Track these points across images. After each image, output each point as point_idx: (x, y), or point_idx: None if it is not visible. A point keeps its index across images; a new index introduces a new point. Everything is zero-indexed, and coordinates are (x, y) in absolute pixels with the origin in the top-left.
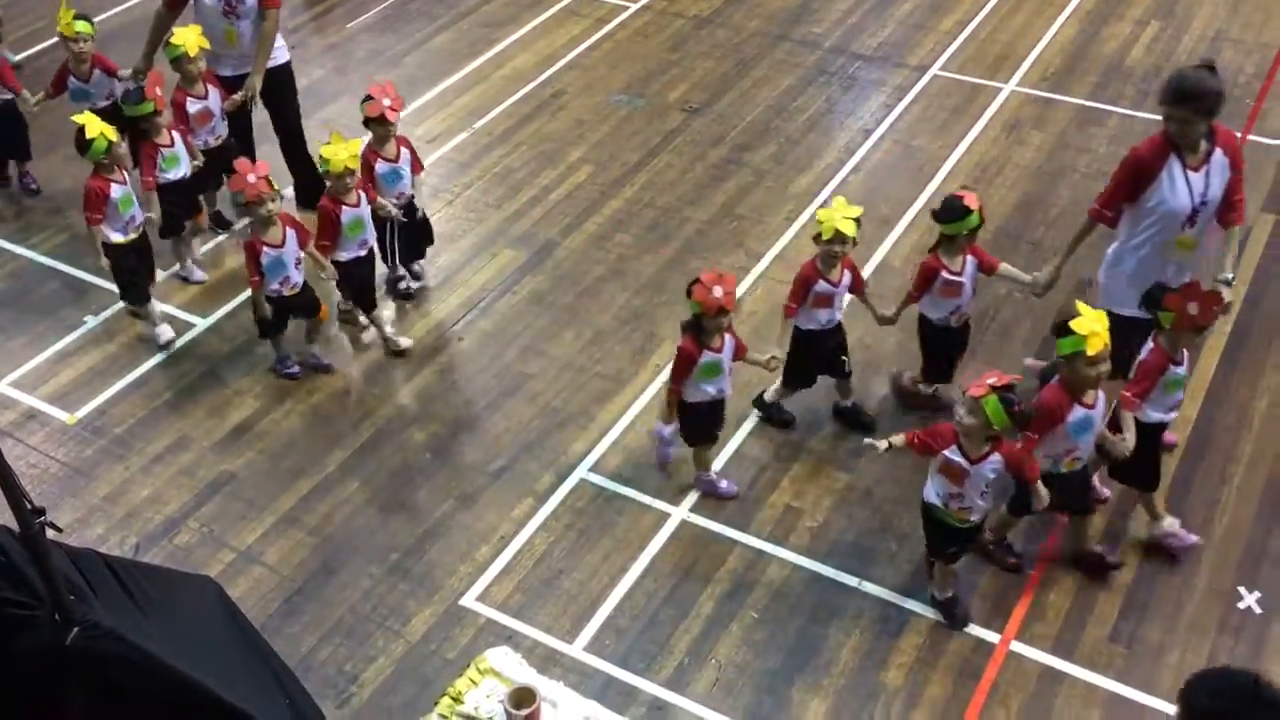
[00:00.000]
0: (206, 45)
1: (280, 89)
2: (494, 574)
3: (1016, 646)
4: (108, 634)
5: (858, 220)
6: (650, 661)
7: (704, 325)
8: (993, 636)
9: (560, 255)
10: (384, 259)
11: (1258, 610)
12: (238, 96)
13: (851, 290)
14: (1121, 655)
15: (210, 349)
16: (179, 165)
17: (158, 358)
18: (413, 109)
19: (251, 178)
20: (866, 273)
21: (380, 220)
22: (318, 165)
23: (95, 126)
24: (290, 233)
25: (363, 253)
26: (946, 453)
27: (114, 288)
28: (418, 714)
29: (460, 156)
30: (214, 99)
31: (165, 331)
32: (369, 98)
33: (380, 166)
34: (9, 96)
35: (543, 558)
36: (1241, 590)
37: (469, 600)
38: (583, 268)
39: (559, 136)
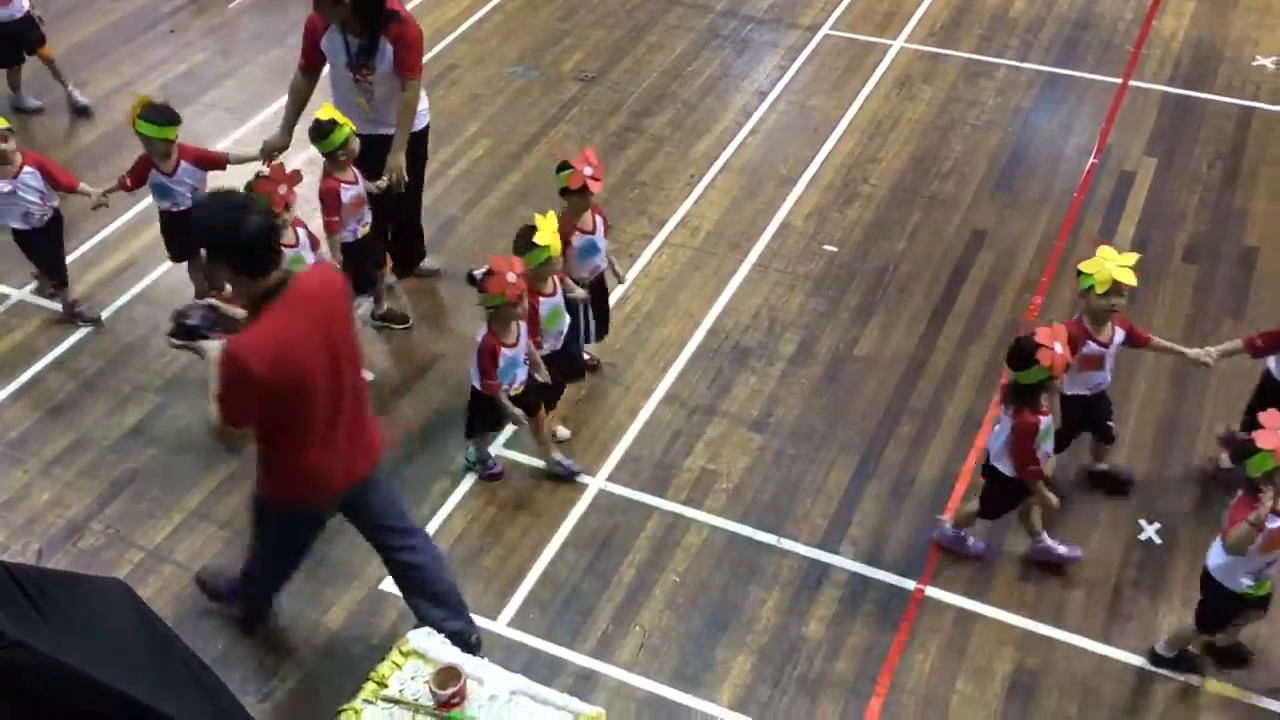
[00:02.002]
0: (354, 128)
1: (412, 156)
2: None
3: (931, 592)
4: (12, 645)
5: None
6: (575, 632)
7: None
8: (908, 584)
9: (463, 231)
10: (586, 339)
11: (1158, 541)
12: (383, 182)
13: (1134, 344)
14: (1031, 593)
15: (104, 346)
16: (303, 268)
17: (47, 359)
18: None
19: (511, 276)
20: (767, 234)
21: (570, 302)
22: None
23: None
24: (523, 328)
25: (559, 345)
26: None
27: None
28: (342, 702)
29: None
30: (362, 182)
31: None
32: (567, 166)
33: (577, 240)
34: (35, 207)
35: (461, 536)
36: (1142, 523)
37: (388, 584)
38: (487, 243)
39: (454, 111)
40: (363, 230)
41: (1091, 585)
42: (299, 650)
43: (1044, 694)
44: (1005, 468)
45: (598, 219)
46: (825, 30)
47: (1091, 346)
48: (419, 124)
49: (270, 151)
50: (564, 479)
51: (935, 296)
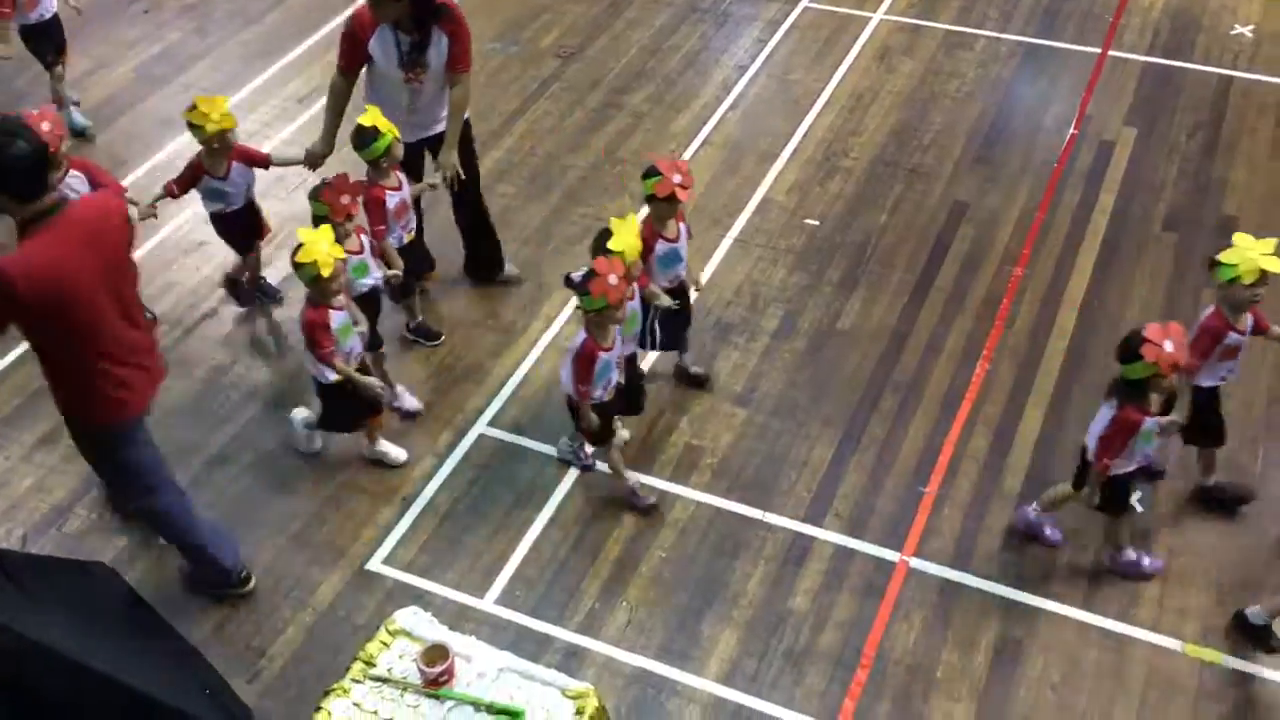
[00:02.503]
0: (397, 134)
1: (464, 154)
2: (399, 536)
3: (915, 563)
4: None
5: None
6: (562, 609)
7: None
8: (892, 555)
9: (445, 210)
10: (643, 345)
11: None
12: (436, 180)
13: (1258, 331)
14: (1014, 563)
15: None
16: (369, 274)
17: (25, 344)
18: (279, 67)
19: (614, 279)
20: (749, 209)
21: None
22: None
23: (320, 252)
24: (619, 331)
25: (628, 352)
26: None
27: None
28: (330, 681)
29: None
30: (406, 187)
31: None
32: (656, 173)
33: (660, 247)
34: None
35: (447, 515)
36: None
37: (375, 564)
38: None
39: None
40: (408, 236)
41: (1073, 553)
42: (286, 631)
43: (1028, 662)
44: (1095, 458)
45: (682, 227)
46: (805, 3)
47: (1233, 337)
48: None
49: (314, 160)
50: (635, 508)
51: (917, 269)
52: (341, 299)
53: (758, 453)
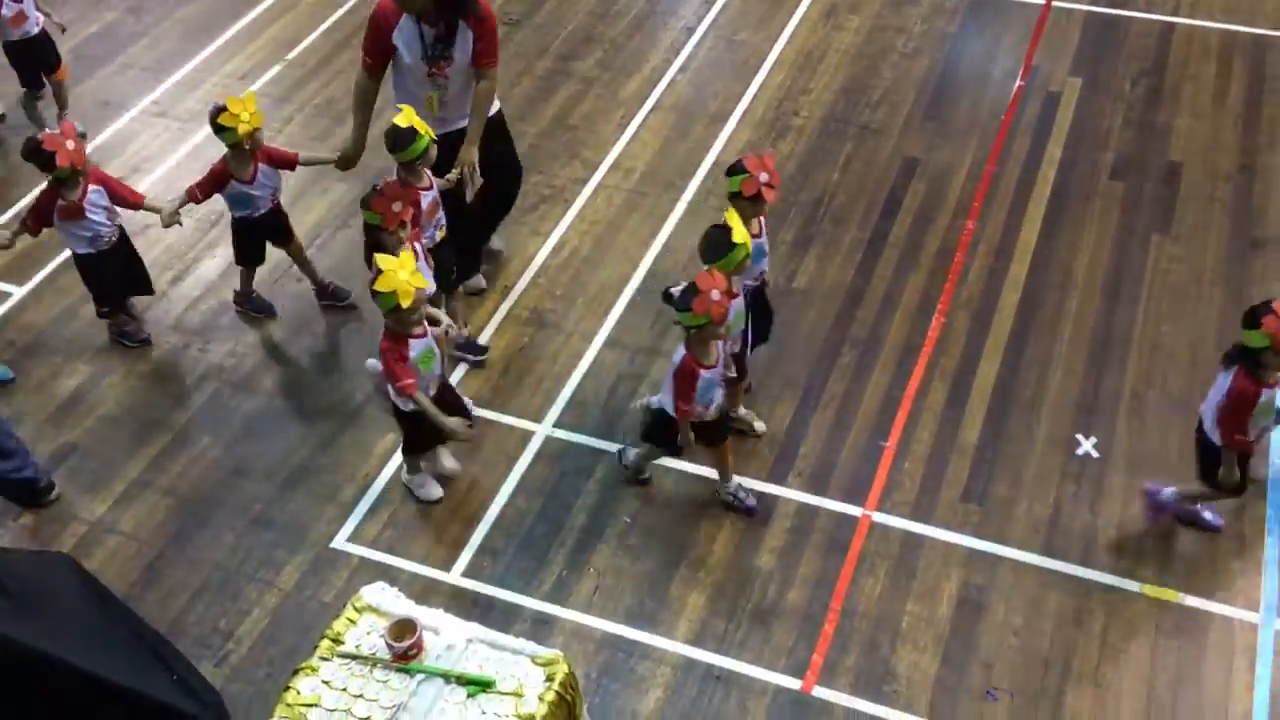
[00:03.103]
0: (433, 135)
1: (503, 145)
2: (362, 513)
3: (878, 517)
4: None
5: None
6: (529, 578)
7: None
8: (855, 510)
9: None
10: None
11: (1095, 455)
12: (453, 175)
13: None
14: (975, 512)
15: (32, 318)
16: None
17: None
18: (218, 45)
19: (716, 294)
20: (701, 172)
21: None
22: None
23: (400, 281)
24: (723, 348)
25: (738, 348)
26: None
27: None
28: (299, 661)
29: (276, 90)
30: (436, 185)
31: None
32: (742, 170)
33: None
34: (105, 227)
35: (410, 491)
36: (1079, 438)
37: (339, 542)
38: None
39: None
40: (440, 234)
41: (1032, 501)
42: (253, 612)
43: (991, 609)
44: (1211, 430)
45: (761, 221)
46: None
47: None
48: (491, 110)
49: (347, 162)
50: (734, 508)
51: (870, 226)
52: (422, 326)
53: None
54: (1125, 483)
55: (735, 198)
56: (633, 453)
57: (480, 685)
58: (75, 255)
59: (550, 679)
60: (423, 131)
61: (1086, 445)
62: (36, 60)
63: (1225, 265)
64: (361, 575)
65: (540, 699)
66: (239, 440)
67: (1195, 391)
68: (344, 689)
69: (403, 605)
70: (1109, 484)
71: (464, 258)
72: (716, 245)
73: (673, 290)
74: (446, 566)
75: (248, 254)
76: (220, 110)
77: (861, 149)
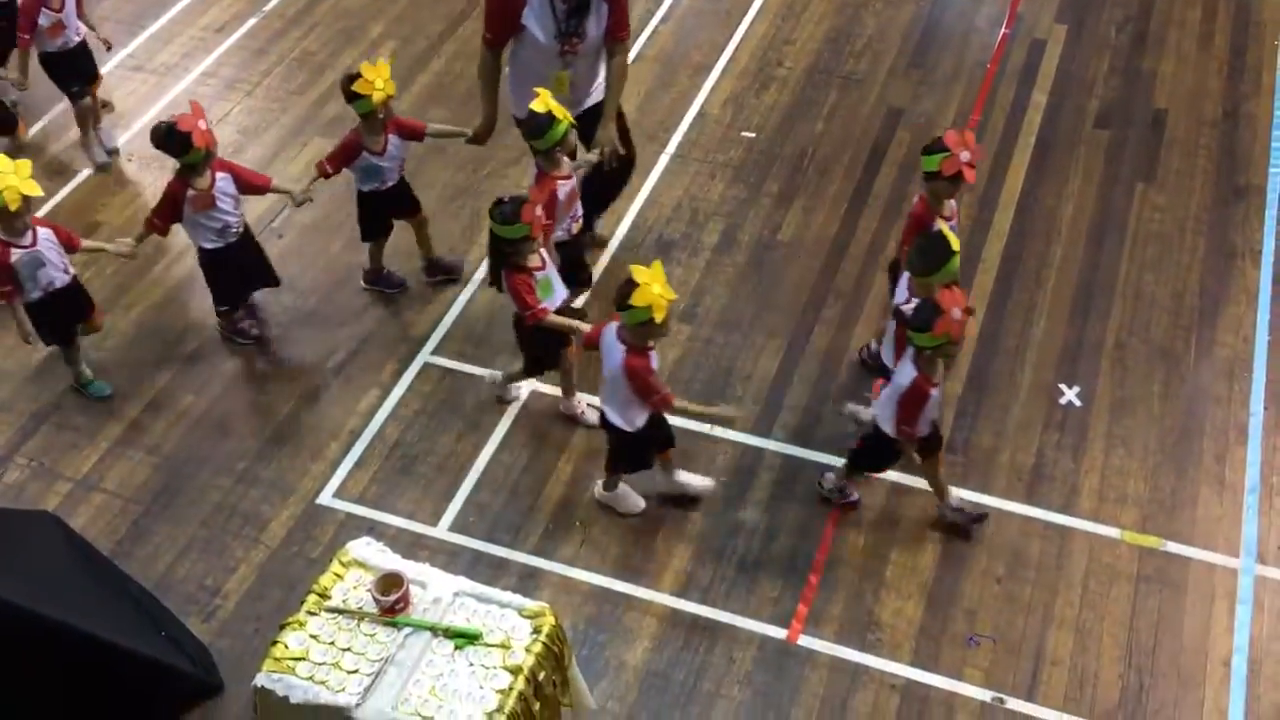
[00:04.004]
0: (572, 119)
1: (622, 127)
2: (348, 468)
3: None
4: None
5: None
6: (516, 532)
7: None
8: (839, 461)
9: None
10: None
11: (1077, 403)
12: (591, 156)
13: None
14: (959, 463)
15: None
16: (553, 293)
17: None
18: None
19: (957, 313)
20: (685, 123)
21: None
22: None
23: (654, 295)
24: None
25: None
26: None
27: None
28: (286, 616)
29: (254, 43)
30: (575, 175)
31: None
32: (942, 149)
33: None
34: (232, 217)
35: (396, 446)
36: (1062, 387)
37: (325, 498)
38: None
39: (357, 12)
40: (576, 226)
41: (1015, 451)
42: (240, 569)
43: (974, 558)
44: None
45: (954, 204)
46: None
47: None
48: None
49: (478, 138)
50: (960, 525)
51: (855, 177)
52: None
53: (704, 368)
54: (1108, 431)
55: (932, 178)
56: (831, 476)
57: (467, 638)
58: (201, 251)
59: (537, 631)
60: (561, 116)
61: (1070, 394)
62: (70, 72)
63: (1208, 213)
64: (348, 530)
65: (527, 650)
66: (222, 398)
67: (1178, 340)
68: (331, 643)
69: (389, 559)
70: (1092, 432)
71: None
72: (933, 254)
73: (903, 307)
74: (433, 521)
75: (374, 228)
76: (354, 78)
77: (846, 99)
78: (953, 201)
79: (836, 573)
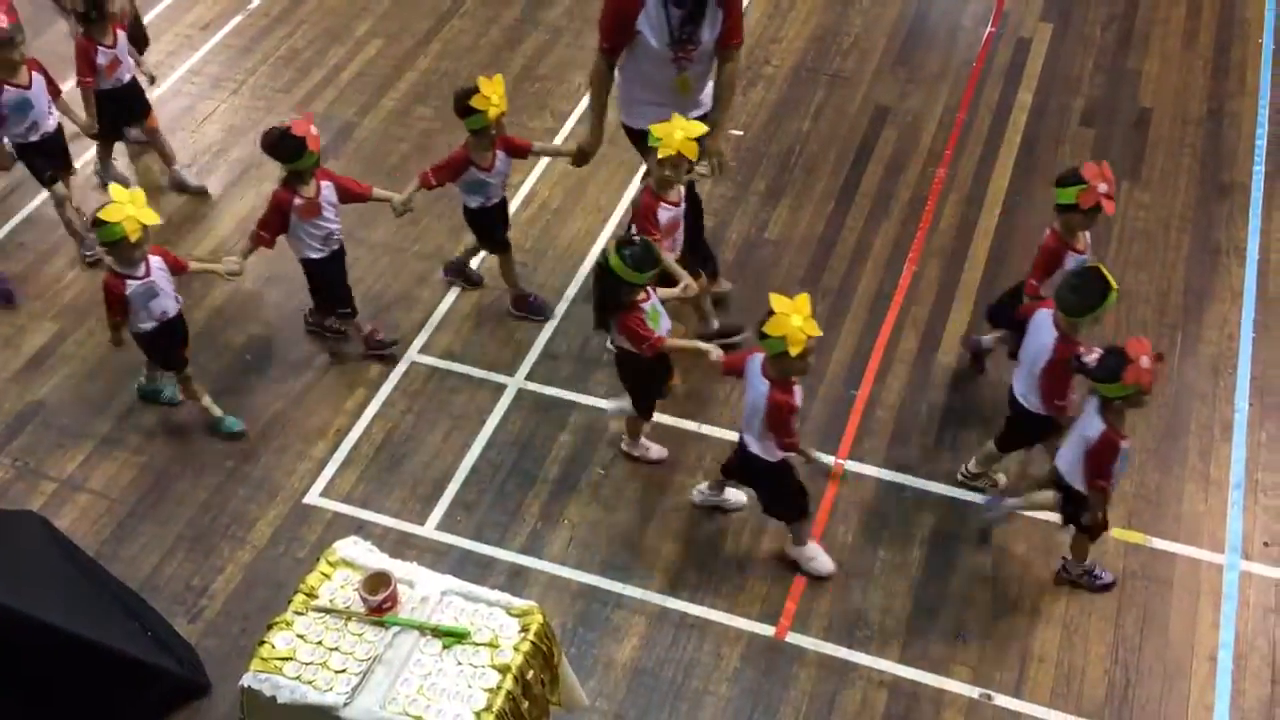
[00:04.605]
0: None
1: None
2: (335, 468)
3: (851, 465)
4: None
5: None
6: (504, 531)
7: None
8: (828, 459)
9: (360, 136)
10: None
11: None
12: (702, 168)
13: None
14: (947, 460)
15: None
16: (661, 321)
17: None
18: None
19: (1145, 361)
20: None
21: None
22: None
23: (793, 327)
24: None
25: None
26: None
27: None
28: (273, 615)
29: (239, 41)
30: (683, 202)
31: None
32: (1078, 180)
33: (1069, 260)
34: (335, 226)
35: (383, 445)
36: None
37: (313, 498)
38: (386, 147)
39: (342, 10)
40: (673, 257)
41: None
42: (226, 568)
43: (961, 554)
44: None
45: (1086, 235)
46: None
47: None
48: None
49: (583, 156)
50: (1083, 586)
51: (841, 175)
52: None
53: (692, 366)
54: None
55: (1068, 210)
56: (1072, 563)
57: (455, 637)
58: (306, 261)
59: (525, 629)
60: (694, 130)
61: None
62: (125, 109)
63: (1193, 211)
64: (335, 530)
65: (516, 649)
66: (209, 396)
67: (1163, 337)
68: (319, 642)
69: (377, 559)
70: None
71: (704, 253)
72: (1089, 291)
73: (1086, 360)
74: (421, 520)
75: (493, 239)
76: (471, 92)
77: (833, 97)
78: (1086, 234)
79: None
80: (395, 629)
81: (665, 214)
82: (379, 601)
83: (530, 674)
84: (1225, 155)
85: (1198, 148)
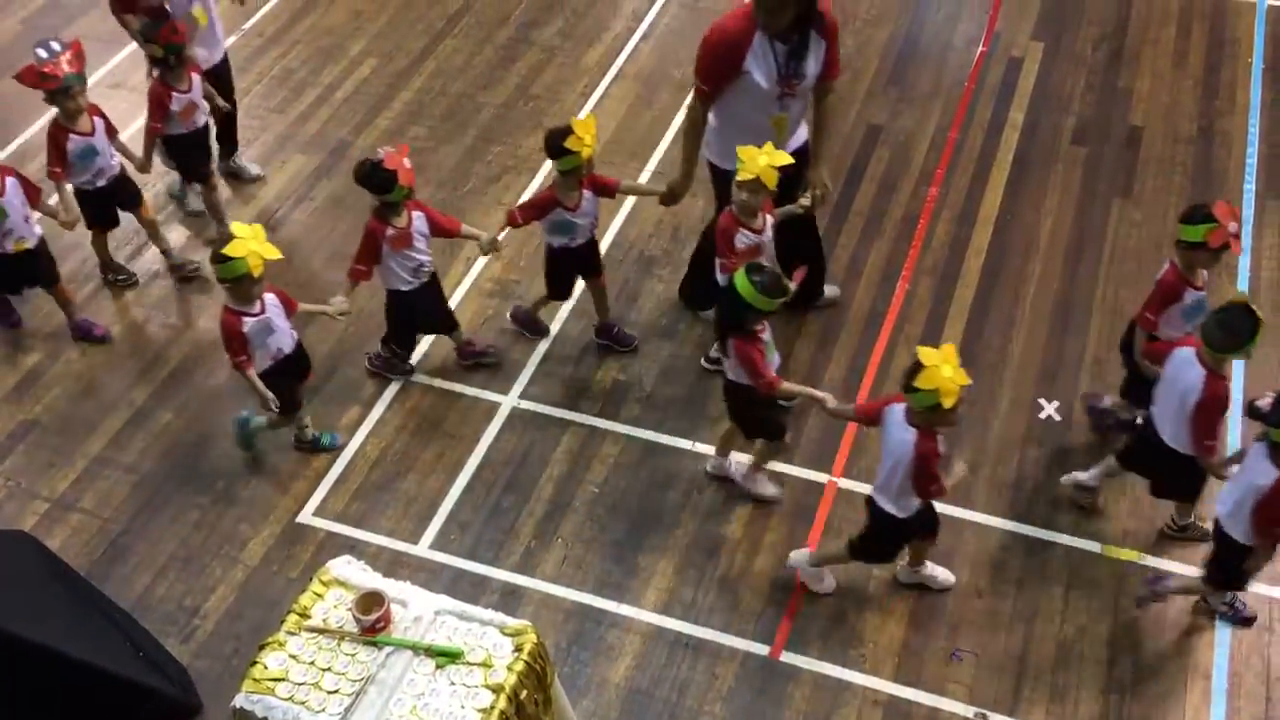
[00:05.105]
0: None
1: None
2: (328, 487)
3: (844, 483)
4: None
5: None
6: (498, 550)
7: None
8: (821, 478)
9: (355, 155)
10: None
11: (1057, 418)
12: (804, 200)
13: None
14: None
15: None
16: (774, 355)
17: None
18: None
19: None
20: (665, 142)
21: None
22: None
23: (944, 379)
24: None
25: None
26: None
27: None
28: (265, 635)
29: (234, 60)
30: (769, 228)
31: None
32: (1207, 219)
33: (1189, 297)
34: (425, 257)
35: (377, 463)
36: (1041, 402)
37: (306, 517)
38: None
39: (337, 30)
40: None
41: (996, 465)
42: (219, 588)
43: (955, 572)
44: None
45: (1205, 273)
46: None
47: None
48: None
49: (673, 196)
50: (1227, 618)
51: (834, 194)
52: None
53: (685, 384)
54: (1087, 446)
55: (1193, 248)
56: (1173, 583)
57: (449, 656)
58: (393, 293)
59: (519, 649)
60: (780, 160)
61: (1049, 409)
62: (201, 153)
63: None
64: (328, 549)
65: (509, 669)
66: (201, 415)
67: None
68: (311, 663)
69: (370, 578)
70: (1072, 446)
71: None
72: (1238, 327)
73: (1261, 405)
74: (414, 539)
75: (561, 288)
76: (565, 133)
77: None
78: (1204, 271)
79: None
80: (388, 649)
81: (744, 239)
82: (372, 621)
83: (524, 694)
84: (1216, 174)
85: (1188, 166)
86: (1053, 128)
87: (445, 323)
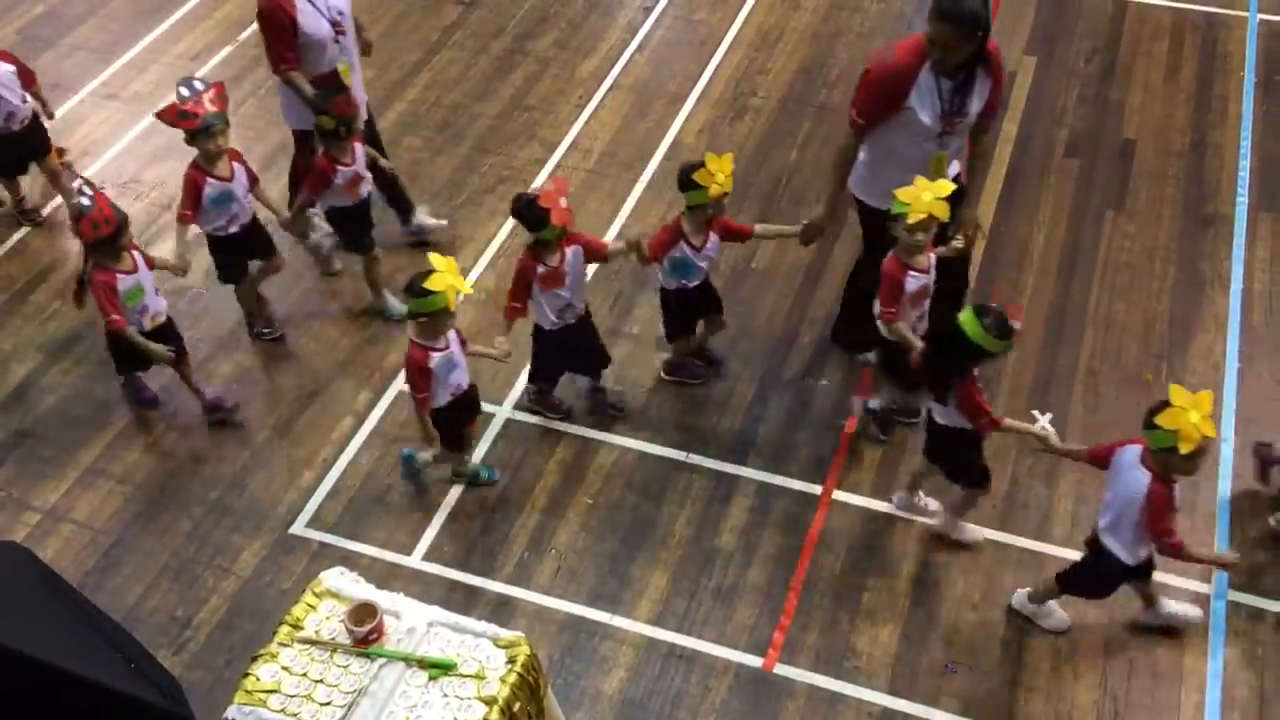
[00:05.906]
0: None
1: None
2: (321, 498)
3: (838, 495)
4: None
5: None
6: (491, 561)
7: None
8: (815, 489)
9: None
10: None
11: (1050, 430)
12: (957, 242)
13: None
14: (932, 490)
15: None
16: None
17: None
18: (168, 25)
19: None
20: (660, 152)
21: None
22: None
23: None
24: None
25: None
26: None
27: None
28: (258, 648)
29: (228, 72)
30: (933, 268)
31: None
32: None
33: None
34: (579, 296)
35: (370, 474)
36: (1035, 413)
37: (298, 528)
38: None
39: None
40: (921, 327)
41: (990, 477)
42: (211, 600)
43: (949, 585)
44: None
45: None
46: None
47: None
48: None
49: (815, 231)
50: None
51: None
52: None
53: (679, 395)
54: (1080, 466)
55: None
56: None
57: (442, 668)
58: (538, 330)
59: (512, 661)
60: (942, 190)
61: (1042, 421)
62: (364, 225)
63: (1177, 241)
64: (321, 560)
65: (502, 681)
66: (194, 427)
67: (1149, 367)
68: (304, 674)
69: (363, 589)
70: (1065, 460)
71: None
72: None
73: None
74: (407, 550)
75: (680, 328)
76: (697, 166)
77: (819, 129)
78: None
79: (813, 600)
80: (381, 661)
81: (914, 282)
82: (365, 633)
83: (517, 706)
84: (1209, 186)
85: (1181, 179)
86: (1046, 140)
87: (595, 362)
